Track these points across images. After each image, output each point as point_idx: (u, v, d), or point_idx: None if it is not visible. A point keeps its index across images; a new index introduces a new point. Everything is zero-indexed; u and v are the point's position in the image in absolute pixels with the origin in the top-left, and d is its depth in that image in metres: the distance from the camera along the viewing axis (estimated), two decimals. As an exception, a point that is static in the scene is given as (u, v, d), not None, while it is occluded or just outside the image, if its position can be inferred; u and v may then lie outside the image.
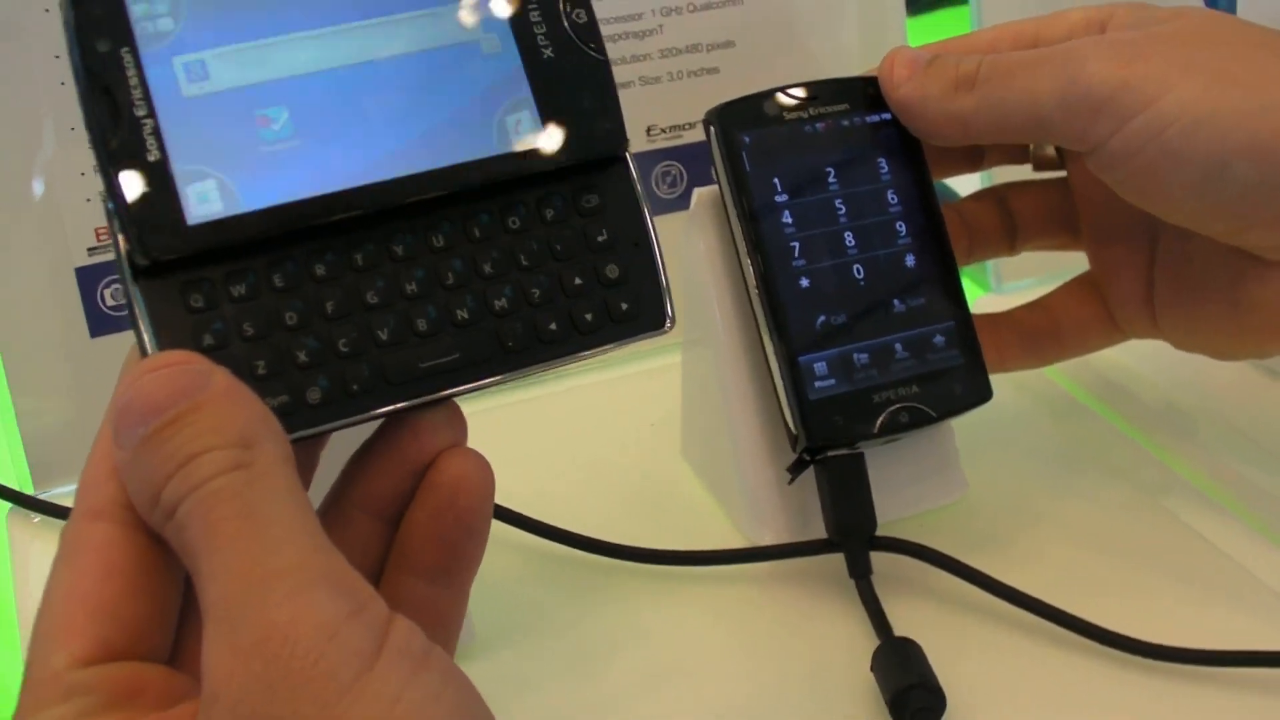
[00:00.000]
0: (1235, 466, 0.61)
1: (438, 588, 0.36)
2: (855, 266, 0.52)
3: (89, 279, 0.60)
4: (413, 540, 0.36)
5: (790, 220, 0.51)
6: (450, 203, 0.35)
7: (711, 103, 0.52)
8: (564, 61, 0.36)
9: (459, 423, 0.36)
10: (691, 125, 0.69)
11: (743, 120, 0.52)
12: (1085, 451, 0.63)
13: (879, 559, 0.52)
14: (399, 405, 0.35)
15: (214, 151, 0.33)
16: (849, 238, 0.52)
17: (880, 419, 0.51)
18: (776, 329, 0.51)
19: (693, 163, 0.69)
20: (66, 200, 0.59)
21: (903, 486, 0.57)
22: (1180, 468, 0.62)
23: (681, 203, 0.69)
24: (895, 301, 0.52)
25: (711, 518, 0.59)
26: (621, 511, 0.59)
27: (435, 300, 0.35)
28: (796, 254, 0.51)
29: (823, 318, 0.51)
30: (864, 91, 0.53)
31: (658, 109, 0.68)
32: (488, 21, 0.36)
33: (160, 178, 0.33)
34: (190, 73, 0.33)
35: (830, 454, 0.51)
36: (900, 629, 0.50)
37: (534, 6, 0.36)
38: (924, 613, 0.53)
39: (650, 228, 0.37)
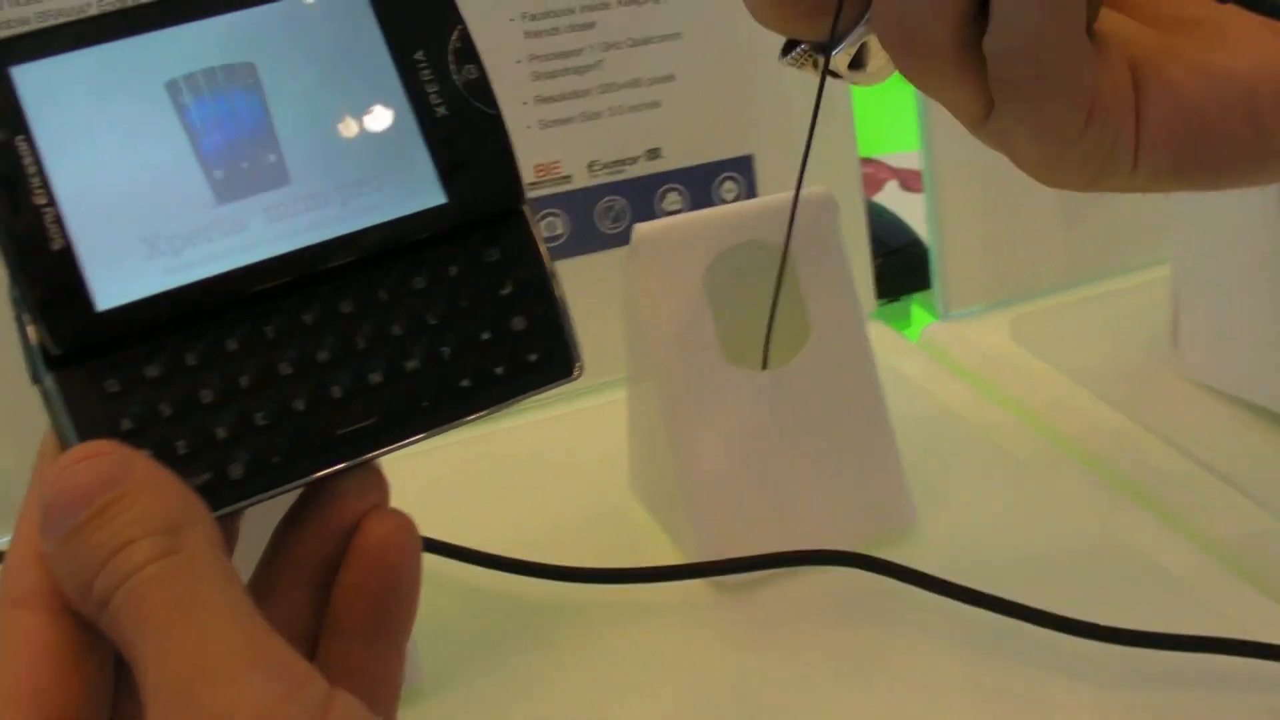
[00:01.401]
0: (1185, 489, 0.62)
1: (373, 649, 0.36)
2: None
3: (27, 328, 0.59)
4: (344, 604, 0.35)
5: None
6: (356, 267, 0.35)
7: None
8: (458, 119, 0.36)
9: (380, 484, 0.36)
10: (633, 160, 0.69)
11: None
12: (1036, 477, 0.63)
13: (827, 580, 0.52)
14: (320, 473, 0.34)
15: (119, 236, 0.33)
16: None
17: None
18: None
19: (635, 197, 0.69)
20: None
21: (851, 513, 0.57)
22: (1126, 490, 0.62)
23: (624, 238, 0.68)
24: None
25: (660, 548, 0.58)
26: (570, 544, 0.58)
27: (348, 366, 0.35)
28: None
29: None
30: None
31: (599, 144, 0.68)
32: (380, 82, 0.36)
33: (66, 266, 0.32)
34: (90, 159, 0.33)
35: None
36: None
37: (424, 65, 0.36)
38: (891, 630, 0.53)
39: (551, 277, 0.37)
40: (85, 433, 0.32)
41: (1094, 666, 0.51)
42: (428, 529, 0.54)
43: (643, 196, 0.69)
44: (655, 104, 0.69)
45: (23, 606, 0.32)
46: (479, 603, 0.56)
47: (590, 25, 0.68)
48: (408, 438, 0.35)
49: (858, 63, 0.41)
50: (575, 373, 0.37)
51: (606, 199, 0.69)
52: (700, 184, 0.70)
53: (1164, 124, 0.39)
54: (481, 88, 0.37)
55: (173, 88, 0.34)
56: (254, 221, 0.34)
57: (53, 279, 0.32)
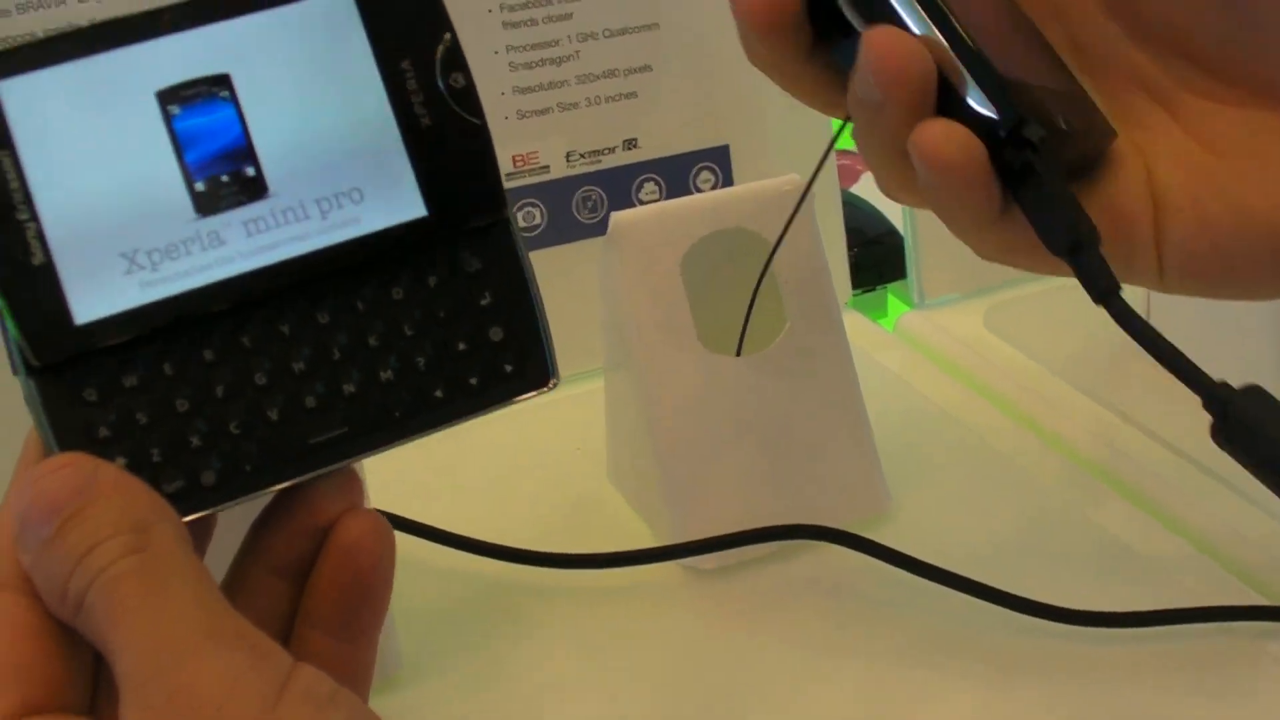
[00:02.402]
0: (1157, 474, 0.62)
1: (345, 643, 0.37)
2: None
3: None
4: (317, 599, 0.36)
5: None
6: (335, 276, 0.35)
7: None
8: (442, 129, 0.36)
9: (355, 485, 0.37)
10: (610, 150, 0.69)
11: None
12: (1009, 463, 0.64)
13: (802, 565, 0.53)
14: (291, 481, 0.35)
15: (99, 251, 0.34)
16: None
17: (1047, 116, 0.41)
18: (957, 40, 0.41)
19: (612, 187, 0.70)
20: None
21: (826, 499, 0.57)
22: (1099, 475, 0.63)
23: (601, 228, 0.69)
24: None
25: (639, 536, 0.59)
26: (549, 532, 0.59)
27: (322, 376, 0.35)
28: None
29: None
30: None
31: (576, 134, 0.69)
32: (365, 91, 0.36)
33: (46, 280, 0.33)
34: (73, 173, 0.34)
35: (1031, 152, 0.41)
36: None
37: (410, 74, 0.36)
38: (864, 613, 0.54)
39: (532, 288, 0.37)
40: (64, 439, 0.33)
41: (1064, 648, 0.52)
42: (409, 515, 0.55)
43: (620, 186, 0.70)
44: (632, 94, 0.69)
45: (5, 589, 0.33)
46: (458, 588, 0.57)
47: (568, 16, 0.68)
48: (379, 447, 0.36)
49: None
50: (550, 384, 0.37)
51: (584, 189, 0.69)
52: (677, 174, 0.71)
53: (1191, 254, 0.41)
54: (468, 97, 0.37)
55: (156, 101, 0.35)
56: (232, 235, 0.35)
57: (33, 294, 0.33)
